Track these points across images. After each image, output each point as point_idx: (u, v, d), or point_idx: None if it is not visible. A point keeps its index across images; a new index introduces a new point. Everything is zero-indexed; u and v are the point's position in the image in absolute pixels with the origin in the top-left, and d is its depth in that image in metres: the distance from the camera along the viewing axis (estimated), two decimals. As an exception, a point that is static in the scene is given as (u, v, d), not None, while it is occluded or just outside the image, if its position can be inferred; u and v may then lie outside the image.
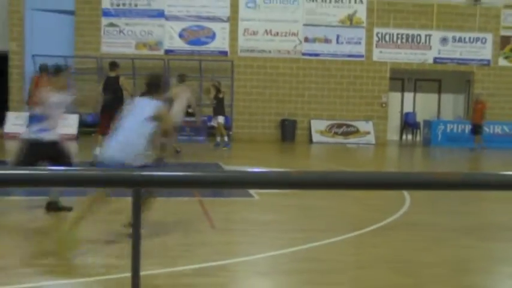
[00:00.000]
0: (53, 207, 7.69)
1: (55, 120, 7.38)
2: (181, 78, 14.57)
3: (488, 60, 22.98)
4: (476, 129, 19.77)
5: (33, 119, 7.50)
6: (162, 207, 8.18)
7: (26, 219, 7.66)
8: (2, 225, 7.08)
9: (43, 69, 15.70)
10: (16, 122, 20.09)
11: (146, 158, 6.27)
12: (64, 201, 8.27)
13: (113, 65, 13.46)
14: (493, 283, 5.47)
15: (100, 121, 13.13)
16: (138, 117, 6.33)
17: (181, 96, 13.50)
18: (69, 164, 7.24)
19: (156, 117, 6.33)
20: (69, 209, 7.76)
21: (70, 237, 5.71)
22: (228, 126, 20.77)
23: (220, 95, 17.44)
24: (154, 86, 6.62)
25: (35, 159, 6.98)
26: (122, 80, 13.31)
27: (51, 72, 13.22)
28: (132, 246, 1.74)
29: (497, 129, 22.19)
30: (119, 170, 1.77)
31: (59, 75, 7.80)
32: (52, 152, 7.17)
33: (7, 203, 8.43)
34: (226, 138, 17.46)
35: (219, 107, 17.40)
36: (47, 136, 7.17)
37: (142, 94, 6.69)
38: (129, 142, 6.17)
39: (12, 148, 16.84)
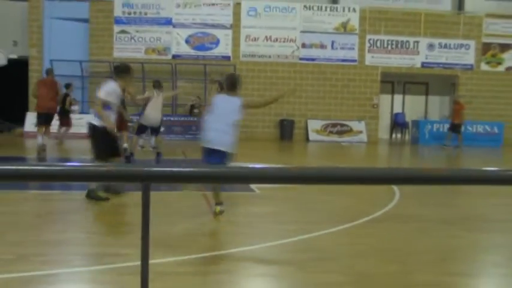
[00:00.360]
0: (92, 195, 7.96)
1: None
2: (159, 84, 13.78)
3: (472, 65, 22.96)
4: (455, 128, 19.78)
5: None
6: (165, 200, 8.19)
7: (50, 209, 7.66)
8: (19, 215, 7.08)
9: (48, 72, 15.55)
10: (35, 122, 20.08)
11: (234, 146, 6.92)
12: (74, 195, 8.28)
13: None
14: (477, 271, 5.46)
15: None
16: (227, 112, 6.94)
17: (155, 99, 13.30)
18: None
19: (244, 109, 7.11)
20: (107, 199, 8.04)
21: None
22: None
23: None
24: (234, 85, 7.23)
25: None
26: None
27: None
28: (142, 236, 1.73)
29: (479, 129, 22.19)
30: (130, 166, 1.76)
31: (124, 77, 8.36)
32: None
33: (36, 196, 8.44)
34: None
35: None
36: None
37: (220, 92, 7.37)
38: (225, 133, 6.84)
39: (34, 145, 16.90)
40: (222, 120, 6.91)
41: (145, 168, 1.73)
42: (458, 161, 16.45)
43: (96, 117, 7.89)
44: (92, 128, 7.95)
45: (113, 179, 1.70)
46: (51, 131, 14.94)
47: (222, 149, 6.82)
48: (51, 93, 14.15)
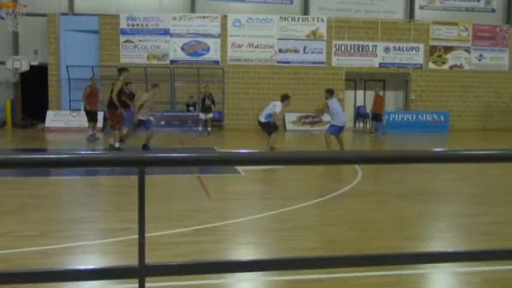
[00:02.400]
0: None
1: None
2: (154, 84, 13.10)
3: (421, 64, 23.04)
4: (377, 117, 19.79)
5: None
6: (166, 182, 8.15)
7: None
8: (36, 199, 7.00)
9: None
10: (54, 119, 19.87)
11: None
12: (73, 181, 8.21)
13: (119, 71, 12.24)
14: (426, 235, 5.50)
15: (116, 118, 11.85)
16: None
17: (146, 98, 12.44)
18: None
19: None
20: None
21: None
22: (220, 119, 20.74)
23: (208, 100, 17.57)
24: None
25: None
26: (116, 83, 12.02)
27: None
28: (139, 213, 1.70)
29: (429, 117, 22.32)
30: (127, 153, 1.73)
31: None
32: None
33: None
34: (209, 129, 17.62)
35: (207, 107, 17.58)
36: None
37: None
38: None
39: (57, 138, 16.71)
40: None
41: (141, 154, 1.70)
42: (410, 145, 16.53)
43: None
44: None
45: (112, 164, 1.67)
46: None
47: None
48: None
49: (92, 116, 15.76)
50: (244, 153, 1.90)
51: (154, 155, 1.74)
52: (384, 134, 19.57)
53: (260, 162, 1.95)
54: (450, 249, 4.78)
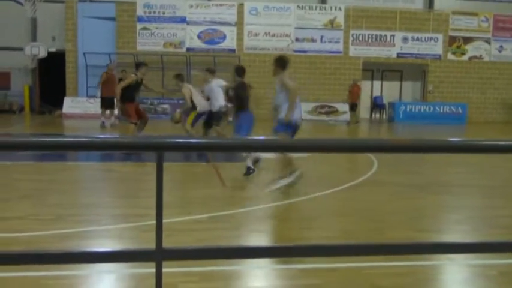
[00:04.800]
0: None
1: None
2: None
3: (440, 55, 22.79)
4: (353, 107, 19.69)
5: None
6: (182, 169, 8.21)
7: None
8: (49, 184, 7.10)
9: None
10: (72, 105, 20.07)
11: None
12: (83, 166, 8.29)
13: (137, 65, 11.16)
14: (441, 226, 5.48)
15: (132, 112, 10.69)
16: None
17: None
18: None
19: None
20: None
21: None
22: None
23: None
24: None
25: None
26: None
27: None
28: (157, 197, 1.73)
29: (446, 109, 22.10)
30: (145, 137, 1.75)
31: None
32: None
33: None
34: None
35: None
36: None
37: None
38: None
39: (74, 125, 16.91)
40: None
41: (159, 140, 1.73)
42: (426, 136, 16.41)
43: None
44: None
45: (131, 148, 1.70)
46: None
47: None
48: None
49: (107, 103, 15.81)
50: (263, 139, 1.92)
51: (173, 140, 1.77)
52: (354, 124, 19.43)
53: (274, 149, 1.96)
54: (465, 240, 4.76)
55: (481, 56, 23.07)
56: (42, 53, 20.53)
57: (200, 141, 1.80)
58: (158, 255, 1.75)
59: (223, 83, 10.51)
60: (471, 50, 23.00)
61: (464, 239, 5.03)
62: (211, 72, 10.78)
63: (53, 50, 21.13)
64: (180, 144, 1.75)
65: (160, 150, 1.70)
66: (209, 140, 1.77)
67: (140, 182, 7.41)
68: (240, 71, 8.21)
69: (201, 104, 10.52)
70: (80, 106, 20.01)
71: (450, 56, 22.90)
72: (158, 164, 1.67)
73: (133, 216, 5.28)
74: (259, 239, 4.85)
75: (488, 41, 23.02)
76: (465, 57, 23.02)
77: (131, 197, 6.41)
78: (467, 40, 22.89)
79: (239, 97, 7.86)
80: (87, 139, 1.60)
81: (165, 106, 20.00)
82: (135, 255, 1.86)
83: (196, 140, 1.76)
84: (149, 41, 21.11)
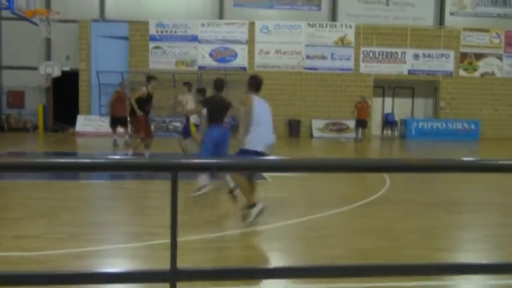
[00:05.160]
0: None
1: None
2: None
3: (451, 72, 22.72)
4: (363, 124, 19.57)
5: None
6: (193, 187, 8.18)
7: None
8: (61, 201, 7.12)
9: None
10: (85, 123, 20.23)
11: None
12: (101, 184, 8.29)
13: (148, 79, 11.39)
14: (455, 246, 5.39)
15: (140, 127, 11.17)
16: (269, 113, 6.18)
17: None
18: None
19: None
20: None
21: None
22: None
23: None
24: (259, 88, 6.24)
25: None
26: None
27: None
28: (171, 217, 1.71)
29: (459, 126, 21.95)
30: (160, 158, 1.75)
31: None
32: None
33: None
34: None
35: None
36: None
37: (257, 94, 6.23)
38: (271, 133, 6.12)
39: (87, 143, 17.00)
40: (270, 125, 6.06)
41: (174, 160, 1.72)
42: (439, 153, 16.29)
43: None
44: None
45: (147, 169, 1.69)
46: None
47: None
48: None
49: (117, 122, 15.48)
50: (273, 159, 1.90)
51: (188, 160, 1.76)
52: (361, 140, 19.36)
53: (288, 169, 1.94)
54: (480, 261, 4.67)
55: (493, 72, 22.96)
56: (56, 72, 20.80)
57: (215, 161, 1.79)
58: (172, 276, 1.73)
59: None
60: (483, 66, 22.91)
61: (480, 258, 4.94)
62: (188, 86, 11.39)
63: (66, 69, 21.40)
64: (195, 164, 1.74)
65: (174, 170, 1.69)
66: (224, 161, 1.76)
67: (150, 199, 7.40)
68: (217, 84, 7.35)
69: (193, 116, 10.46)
70: (93, 124, 20.16)
71: (462, 73, 22.82)
72: (172, 183, 1.66)
73: (146, 235, 5.26)
74: (273, 259, 4.80)
75: (500, 57, 22.92)
76: (477, 74, 22.92)
77: (143, 214, 6.40)
78: (479, 56, 22.82)
79: (209, 111, 7.31)
80: (103, 160, 1.60)
81: (177, 124, 20.08)
82: (149, 276, 1.84)
83: (211, 161, 1.75)
84: (161, 60, 21.31)
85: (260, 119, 5.98)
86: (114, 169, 1.61)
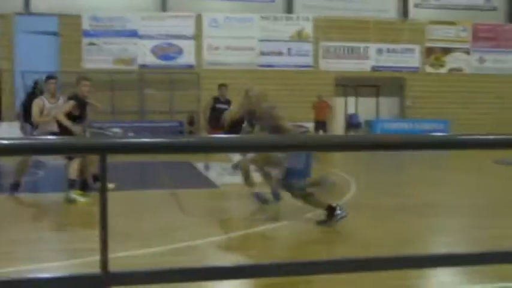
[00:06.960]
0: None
1: None
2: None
3: (417, 68, 23.30)
4: (322, 126, 19.02)
5: None
6: (137, 198, 8.00)
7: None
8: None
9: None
10: (10, 131, 19.51)
11: None
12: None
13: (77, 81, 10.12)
14: (428, 250, 5.43)
15: None
16: None
17: None
18: None
19: None
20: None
21: None
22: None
23: None
24: None
25: None
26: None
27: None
28: (101, 204, 1.59)
29: (426, 126, 22.50)
30: (89, 138, 1.63)
31: None
32: None
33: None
34: None
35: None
36: None
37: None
38: None
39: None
40: None
41: (102, 140, 1.60)
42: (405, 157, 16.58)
43: None
44: None
45: (74, 150, 1.56)
46: None
47: None
48: None
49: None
50: (222, 138, 1.82)
51: (118, 140, 1.64)
52: None
53: (242, 149, 1.85)
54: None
55: (460, 68, 23.66)
56: (-26, 74, 20.05)
57: (150, 141, 1.67)
58: (105, 280, 1.61)
59: None
60: (450, 61, 23.59)
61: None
62: None
63: (-15, 69, 20.66)
64: (125, 144, 1.63)
65: (103, 151, 1.57)
66: (160, 140, 1.65)
67: (81, 214, 7.15)
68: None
69: None
70: (18, 132, 19.47)
71: (428, 69, 23.43)
72: (101, 166, 1.54)
73: (79, 251, 5.04)
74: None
75: (467, 52, 23.68)
76: (444, 70, 23.59)
77: (75, 229, 6.17)
78: (446, 51, 23.50)
79: None
80: (28, 141, 1.47)
81: (116, 130, 19.68)
82: (79, 281, 1.71)
83: (144, 140, 1.63)
84: (97, 58, 20.89)
85: None
86: (39, 152, 1.48)
